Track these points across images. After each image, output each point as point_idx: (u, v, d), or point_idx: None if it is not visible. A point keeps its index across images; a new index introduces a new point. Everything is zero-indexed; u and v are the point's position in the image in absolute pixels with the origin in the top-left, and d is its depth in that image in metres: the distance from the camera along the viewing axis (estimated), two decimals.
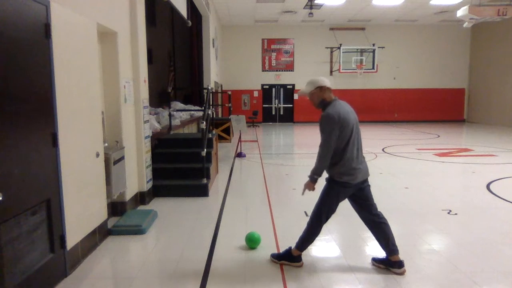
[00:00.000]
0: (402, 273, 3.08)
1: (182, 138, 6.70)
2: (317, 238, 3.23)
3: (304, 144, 12.05)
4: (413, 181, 6.49)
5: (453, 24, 18.34)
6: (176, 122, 7.92)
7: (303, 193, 3.15)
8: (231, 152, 9.77)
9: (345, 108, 3.00)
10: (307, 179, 3.10)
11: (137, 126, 5.04)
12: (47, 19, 2.87)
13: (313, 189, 3.10)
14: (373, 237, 3.21)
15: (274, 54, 19.23)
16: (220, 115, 15.66)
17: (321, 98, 3.05)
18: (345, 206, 3.24)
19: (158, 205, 5.14)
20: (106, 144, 4.27)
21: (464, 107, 19.65)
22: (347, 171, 2.97)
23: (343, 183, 3.00)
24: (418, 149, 10.12)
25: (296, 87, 19.40)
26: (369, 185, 3.15)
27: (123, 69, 4.54)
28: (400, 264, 3.10)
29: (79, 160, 3.36)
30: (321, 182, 3.16)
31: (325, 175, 3.11)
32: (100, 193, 3.82)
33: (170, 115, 7.25)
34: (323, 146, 2.96)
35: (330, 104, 3.01)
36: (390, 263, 3.13)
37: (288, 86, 19.51)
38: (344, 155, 2.96)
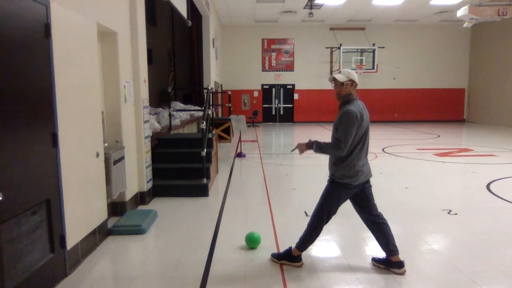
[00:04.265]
0: (402, 273, 3.08)
1: (182, 138, 6.69)
2: (317, 238, 3.23)
3: None
4: (413, 181, 6.48)
5: (453, 24, 18.34)
6: (176, 122, 7.92)
7: (292, 150, 3.17)
8: (231, 152, 9.76)
9: (362, 109, 3.00)
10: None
11: (137, 126, 5.04)
12: (47, 19, 2.87)
13: (302, 152, 3.14)
14: (373, 237, 3.21)
15: (274, 54, 19.23)
16: (220, 115, 15.66)
17: (349, 92, 3.01)
18: (345, 206, 3.24)
19: (158, 205, 5.13)
20: (106, 144, 4.27)
21: (464, 107, 19.66)
22: (349, 173, 2.97)
23: (344, 184, 3.00)
24: (418, 149, 10.12)
25: (296, 87, 19.41)
26: (370, 186, 3.14)
27: (123, 69, 4.54)
28: (400, 264, 3.10)
29: (79, 160, 3.36)
30: (323, 182, 3.16)
31: (326, 173, 3.11)
32: (100, 193, 3.82)
33: (170, 115, 7.25)
34: (341, 142, 2.86)
35: (352, 102, 2.99)
36: (390, 263, 3.13)
37: (288, 86, 19.51)
38: (350, 155, 2.96)
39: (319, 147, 3.01)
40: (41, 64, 2.81)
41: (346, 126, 2.88)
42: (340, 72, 3.05)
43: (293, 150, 3.21)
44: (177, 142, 6.49)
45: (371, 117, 3.16)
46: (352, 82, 3.00)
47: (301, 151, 3.15)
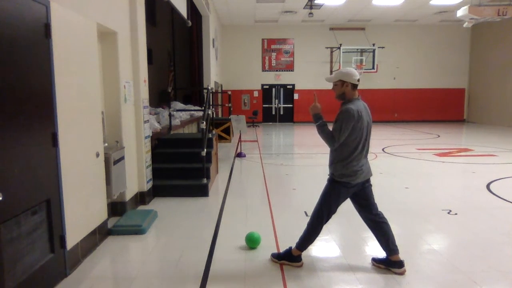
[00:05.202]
0: (402, 273, 3.08)
1: (182, 138, 6.69)
2: (317, 238, 3.23)
3: (304, 144, 12.04)
4: (413, 181, 6.48)
5: (453, 24, 18.33)
6: (176, 122, 7.92)
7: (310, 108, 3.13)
8: (231, 152, 9.76)
9: (363, 109, 3.00)
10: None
11: (137, 126, 5.04)
12: (47, 19, 2.87)
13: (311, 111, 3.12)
14: (373, 237, 3.21)
15: (274, 54, 19.23)
16: (220, 115, 15.66)
17: (342, 92, 3.03)
18: (345, 206, 3.24)
19: (158, 205, 5.14)
20: (106, 144, 4.27)
21: (464, 107, 19.66)
22: (348, 172, 2.97)
23: (343, 183, 3.00)
24: (418, 149, 10.12)
25: (296, 87, 19.41)
26: (370, 185, 3.15)
27: (123, 69, 4.54)
28: (400, 264, 3.10)
29: (79, 160, 3.36)
30: (323, 182, 3.16)
31: (326, 173, 3.11)
32: (100, 193, 3.82)
33: (170, 115, 7.25)
34: (334, 136, 2.94)
35: (353, 101, 3.00)
36: (390, 263, 3.13)
37: (288, 86, 19.51)
38: (351, 154, 2.97)
39: (320, 127, 3.03)
40: (41, 64, 2.81)
41: (342, 122, 2.92)
42: (335, 72, 3.10)
43: (312, 107, 3.13)
44: (177, 142, 6.49)
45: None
46: (343, 82, 3.01)
47: (312, 110, 3.12)
